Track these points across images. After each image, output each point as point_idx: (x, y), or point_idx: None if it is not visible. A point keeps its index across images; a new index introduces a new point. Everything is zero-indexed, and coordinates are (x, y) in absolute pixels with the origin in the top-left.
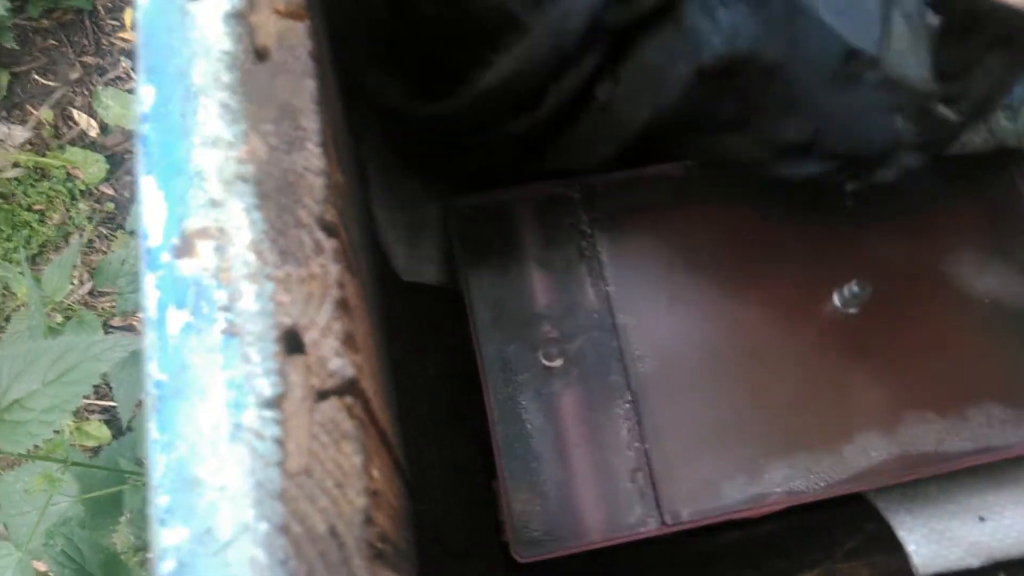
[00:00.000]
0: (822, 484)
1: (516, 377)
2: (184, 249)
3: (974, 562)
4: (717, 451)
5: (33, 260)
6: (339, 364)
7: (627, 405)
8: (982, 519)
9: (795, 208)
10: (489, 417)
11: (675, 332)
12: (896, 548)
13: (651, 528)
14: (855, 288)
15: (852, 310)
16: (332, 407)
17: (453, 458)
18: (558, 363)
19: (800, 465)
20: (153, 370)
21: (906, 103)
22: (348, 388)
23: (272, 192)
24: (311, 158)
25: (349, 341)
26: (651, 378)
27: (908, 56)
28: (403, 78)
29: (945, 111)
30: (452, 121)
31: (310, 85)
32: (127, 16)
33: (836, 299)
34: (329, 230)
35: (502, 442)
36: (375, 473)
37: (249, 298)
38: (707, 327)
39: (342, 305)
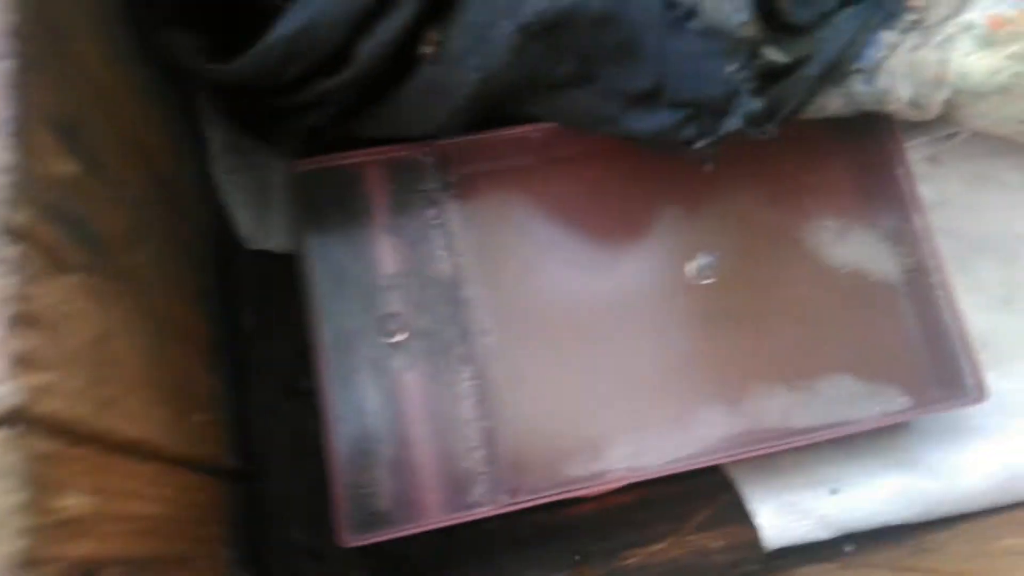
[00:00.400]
0: (665, 460)
1: (355, 352)
2: None
3: (823, 534)
4: (561, 427)
5: None
6: (4, 392)
7: (470, 382)
8: (834, 491)
9: (658, 175)
10: (322, 393)
11: (525, 306)
12: (747, 520)
13: (488, 508)
14: (705, 258)
15: (706, 280)
16: None
17: (304, 435)
18: (401, 337)
19: (644, 441)
20: None
21: (732, 48)
22: (15, 418)
23: None
24: None
25: (26, 360)
26: (497, 354)
27: (724, 2)
28: (199, 35)
29: (774, 54)
30: (251, 82)
31: (2, 67)
32: None
33: (689, 269)
34: (16, 234)
35: (335, 420)
36: (68, 501)
37: None
38: (558, 301)
39: (24, 321)
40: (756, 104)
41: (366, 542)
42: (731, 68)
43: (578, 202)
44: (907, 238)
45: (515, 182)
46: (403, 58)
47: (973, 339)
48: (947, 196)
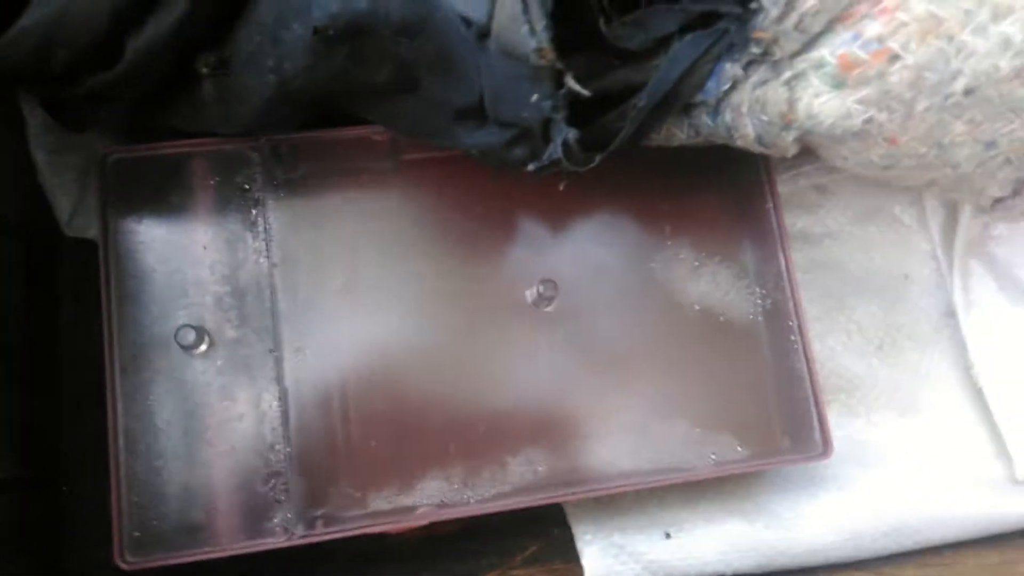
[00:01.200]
0: (477, 499)
1: (151, 363)
2: None
3: None
4: (370, 458)
5: None
6: None
7: (275, 402)
8: (668, 535)
9: (510, 190)
10: (110, 403)
11: (345, 325)
12: (576, 556)
13: (282, 539)
14: (545, 285)
15: (547, 309)
16: None
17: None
18: (202, 349)
19: (458, 476)
20: None
21: (534, 75)
22: None
23: None
24: None
25: None
26: (307, 373)
27: (516, 25)
28: None
29: (575, 85)
30: (12, 69)
31: None
32: None
33: (528, 297)
34: None
35: (121, 435)
36: None
37: None
38: (383, 321)
39: None
40: (572, 133)
41: (146, 566)
42: (536, 96)
43: (420, 213)
44: (769, 278)
45: (350, 184)
46: (186, 58)
47: (835, 379)
48: (833, 229)
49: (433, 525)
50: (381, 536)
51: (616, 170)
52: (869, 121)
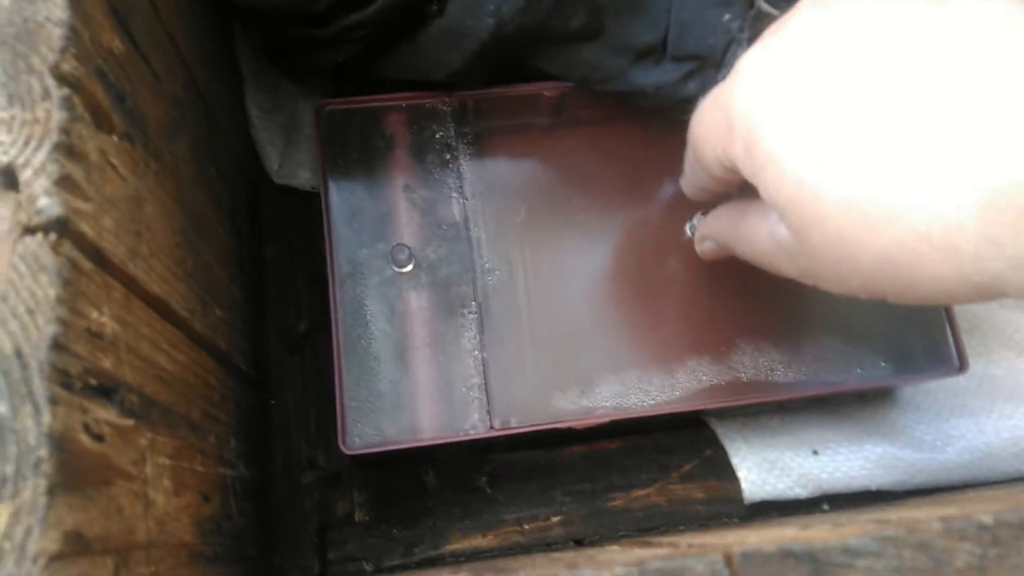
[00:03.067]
0: (650, 402)
1: (365, 280)
2: None
3: (802, 492)
4: (553, 364)
5: None
6: (47, 203)
7: (472, 315)
8: (815, 452)
9: (663, 140)
10: (333, 318)
11: (528, 249)
12: (730, 474)
13: (480, 431)
14: (696, 220)
15: None
16: (35, 242)
17: (316, 365)
18: (408, 269)
19: (632, 383)
20: None
21: None
22: (55, 226)
23: (10, 39)
24: (54, 9)
25: (67, 184)
26: (498, 291)
27: None
28: None
29: (765, 6)
30: (278, 10)
31: None
32: None
33: (688, 230)
34: (64, 80)
35: (343, 341)
36: (94, 314)
37: None
38: (560, 246)
39: (65, 150)
40: None
41: (366, 451)
42: (728, 17)
43: (584, 162)
44: None
45: (526, 138)
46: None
47: (960, 308)
48: None
49: (597, 442)
50: (552, 450)
51: None
52: None
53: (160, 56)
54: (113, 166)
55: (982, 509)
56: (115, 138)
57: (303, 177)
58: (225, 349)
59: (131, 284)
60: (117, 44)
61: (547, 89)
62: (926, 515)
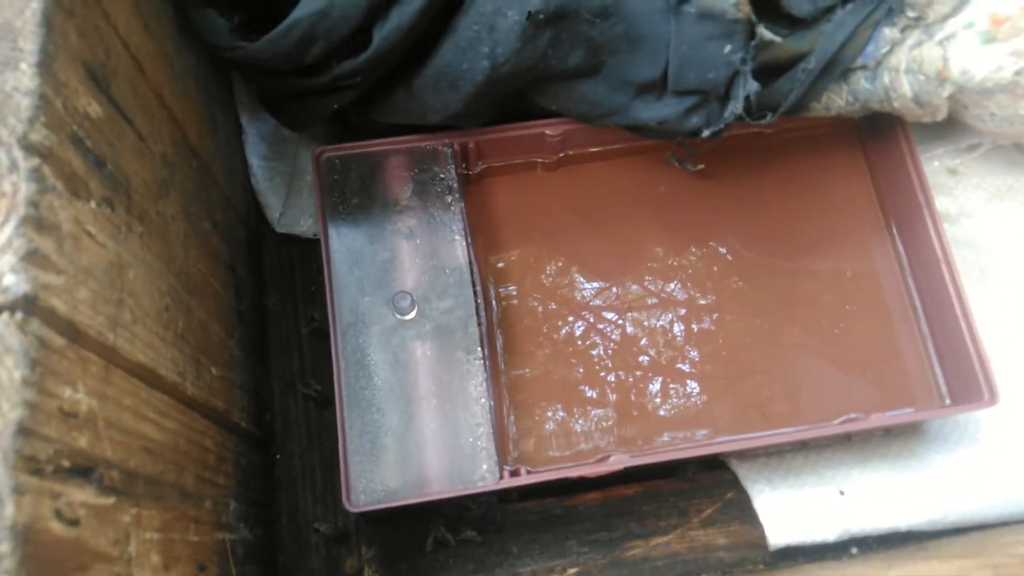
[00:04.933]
0: (666, 446)
1: (367, 329)
2: None
3: (829, 536)
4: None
5: None
6: (13, 281)
7: (477, 361)
8: (842, 493)
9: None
10: (335, 369)
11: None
12: (754, 518)
13: (489, 483)
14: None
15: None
16: (0, 323)
17: (319, 414)
18: (411, 316)
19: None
20: None
21: (729, 30)
22: (22, 304)
23: None
24: (22, 79)
25: (36, 258)
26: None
27: None
28: (231, 14)
29: (767, 33)
30: (275, 61)
31: (34, 7)
32: None
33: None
34: (33, 150)
35: (346, 394)
36: (68, 392)
37: None
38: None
39: (34, 223)
40: (755, 85)
41: (370, 508)
42: (729, 49)
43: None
44: (922, 244)
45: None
46: (414, 47)
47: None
48: (967, 208)
49: (613, 488)
50: (566, 497)
51: (764, 148)
52: (1020, 72)
53: (146, 116)
54: (90, 234)
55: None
56: (93, 204)
57: (305, 224)
58: (223, 408)
59: (111, 355)
60: (96, 108)
61: (549, 127)
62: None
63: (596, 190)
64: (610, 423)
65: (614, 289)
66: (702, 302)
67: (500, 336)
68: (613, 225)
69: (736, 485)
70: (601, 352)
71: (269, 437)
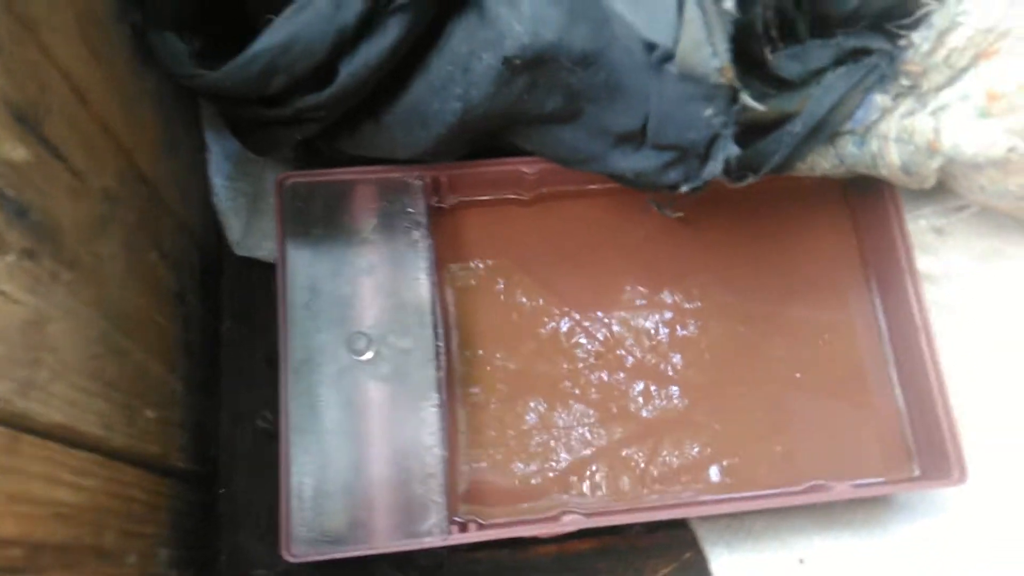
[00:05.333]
0: (627, 507)
1: (320, 368)
2: None
3: None
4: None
5: None
6: None
7: (433, 408)
8: (801, 561)
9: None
10: (282, 408)
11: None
12: None
13: (436, 538)
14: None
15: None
16: None
17: (271, 448)
18: (368, 356)
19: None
20: None
21: (710, 94)
22: None
23: None
24: None
25: None
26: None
27: (701, 48)
28: (191, 39)
29: (750, 101)
30: (236, 91)
31: None
32: None
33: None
34: None
35: (292, 435)
36: None
37: None
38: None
39: None
40: (735, 149)
41: (310, 559)
42: (710, 112)
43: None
44: (901, 308)
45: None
46: (386, 82)
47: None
48: (952, 271)
49: (569, 542)
50: (520, 550)
51: (746, 202)
52: (1012, 150)
53: (85, 151)
54: (3, 292)
55: None
56: (11, 258)
57: (267, 248)
58: (158, 453)
59: (20, 421)
60: (21, 152)
61: (525, 165)
62: None
63: (574, 228)
64: (571, 479)
65: (585, 337)
66: (663, 358)
67: (460, 382)
68: (590, 263)
69: (695, 545)
70: (564, 404)
71: (213, 471)
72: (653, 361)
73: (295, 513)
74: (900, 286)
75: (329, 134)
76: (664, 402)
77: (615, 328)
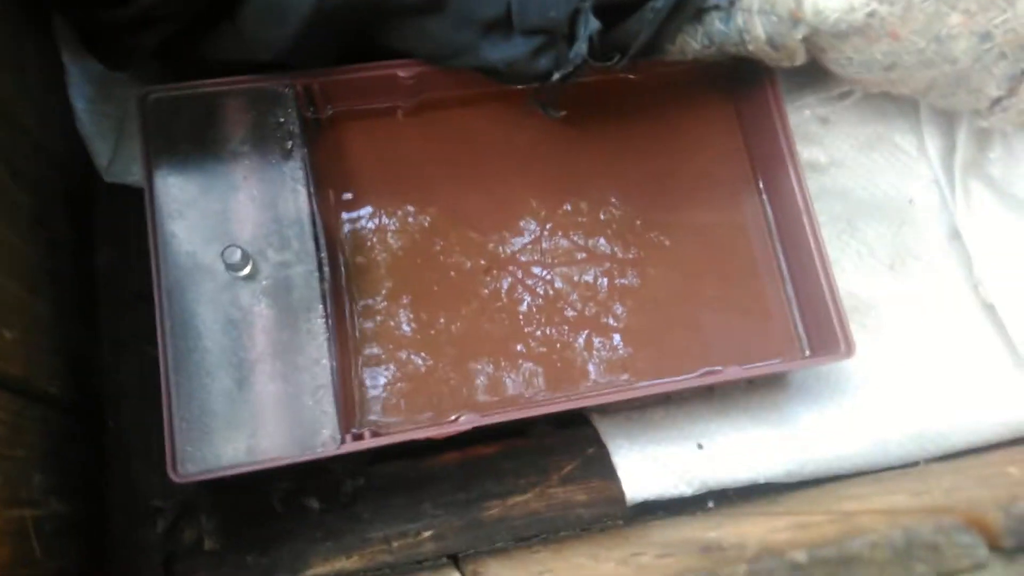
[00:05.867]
0: (519, 404)
1: (196, 287)
2: None
3: (687, 489)
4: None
5: None
6: None
7: (319, 320)
8: (700, 446)
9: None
10: (159, 331)
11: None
12: (613, 473)
13: (330, 448)
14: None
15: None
16: None
17: (153, 374)
18: (245, 272)
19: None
20: None
21: None
22: None
23: None
24: None
25: None
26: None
27: None
28: None
29: None
30: None
31: None
32: None
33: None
34: None
35: (171, 356)
36: None
37: None
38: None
39: None
40: (596, 24)
41: (197, 479)
42: None
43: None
44: (785, 194)
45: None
46: None
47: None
48: (837, 157)
49: (472, 447)
50: (422, 459)
51: (628, 97)
52: (871, 15)
53: None
54: None
55: (815, 536)
56: None
57: (138, 173)
58: (20, 375)
59: None
60: None
61: (401, 68)
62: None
63: (458, 138)
64: (462, 379)
65: (468, 241)
66: (579, 256)
67: (345, 293)
68: (480, 175)
69: (597, 441)
70: (453, 306)
71: (98, 402)
72: (541, 259)
73: (180, 433)
74: (783, 175)
75: (188, 41)
76: (576, 310)
77: (513, 241)
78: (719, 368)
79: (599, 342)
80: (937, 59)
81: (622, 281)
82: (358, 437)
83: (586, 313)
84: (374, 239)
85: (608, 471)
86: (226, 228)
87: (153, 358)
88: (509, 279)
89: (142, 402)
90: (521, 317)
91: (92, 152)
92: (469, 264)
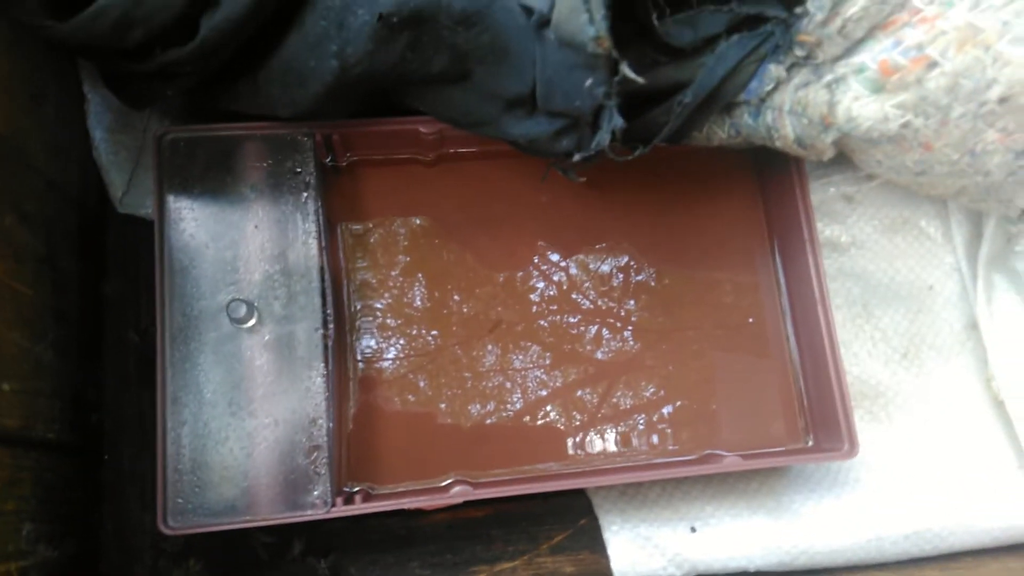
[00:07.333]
0: (514, 478)
1: (200, 334)
2: None
3: (676, 572)
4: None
5: None
6: None
7: (319, 378)
8: (693, 529)
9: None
10: (159, 377)
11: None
12: (604, 547)
13: (319, 511)
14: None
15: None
16: None
17: (152, 413)
18: (251, 324)
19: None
20: None
21: (590, 63)
22: None
23: None
24: None
25: None
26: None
27: (577, 14)
28: None
29: (630, 73)
30: (89, 43)
31: None
32: None
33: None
34: None
35: (169, 405)
36: None
37: None
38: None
39: None
40: (620, 122)
41: (187, 531)
42: (591, 82)
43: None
44: (800, 283)
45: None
46: (255, 40)
47: (860, 384)
48: (859, 238)
49: (462, 509)
50: (412, 517)
51: (652, 169)
52: (906, 125)
53: None
54: None
55: None
56: None
57: (152, 206)
58: (18, 426)
59: None
60: None
61: (423, 124)
62: None
63: (478, 190)
64: (455, 449)
65: (484, 303)
66: (580, 314)
67: (349, 351)
68: (497, 225)
69: (590, 512)
70: (457, 371)
71: (97, 440)
72: (558, 324)
73: (171, 484)
74: (802, 260)
75: (207, 91)
76: (561, 371)
77: (519, 297)
78: (720, 452)
79: (596, 408)
80: (970, 171)
81: (622, 349)
82: (349, 500)
83: (584, 376)
84: (381, 292)
85: (598, 544)
86: (234, 277)
87: (153, 397)
88: (519, 340)
89: (141, 439)
90: (530, 382)
91: (107, 182)
92: (471, 318)
